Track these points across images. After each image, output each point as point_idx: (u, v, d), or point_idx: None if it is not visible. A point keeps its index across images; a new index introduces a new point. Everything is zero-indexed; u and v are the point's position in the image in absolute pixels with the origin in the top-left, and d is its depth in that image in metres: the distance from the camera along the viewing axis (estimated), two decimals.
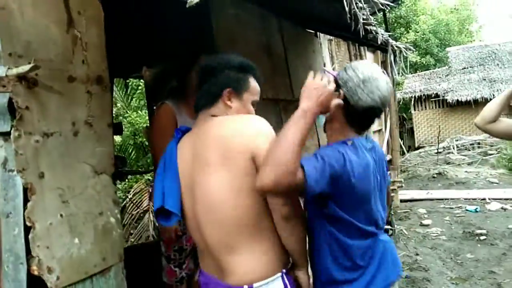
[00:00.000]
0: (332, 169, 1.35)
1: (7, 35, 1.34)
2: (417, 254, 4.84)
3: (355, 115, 1.50)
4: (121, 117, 8.55)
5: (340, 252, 1.47)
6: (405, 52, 3.72)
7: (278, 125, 3.07)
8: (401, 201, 7.58)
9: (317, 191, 1.32)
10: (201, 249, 1.49)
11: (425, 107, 16.91)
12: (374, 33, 2.72)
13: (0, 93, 1.35)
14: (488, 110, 2.34)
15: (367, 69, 1.49)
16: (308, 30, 4.29)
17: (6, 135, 1.37)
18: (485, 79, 15.12)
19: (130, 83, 8.52)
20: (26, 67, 1.31)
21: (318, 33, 4.47)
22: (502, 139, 2.65)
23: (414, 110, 17.17)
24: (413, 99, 16.92)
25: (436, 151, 13.01)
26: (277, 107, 3.06)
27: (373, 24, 2.62)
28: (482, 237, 5.27)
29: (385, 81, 1.49)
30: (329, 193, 1.38)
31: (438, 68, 18.82)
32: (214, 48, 2.52)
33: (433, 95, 16.26)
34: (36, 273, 1.37)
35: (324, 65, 4.36)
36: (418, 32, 20.24)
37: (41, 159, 1.40)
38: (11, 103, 1.35)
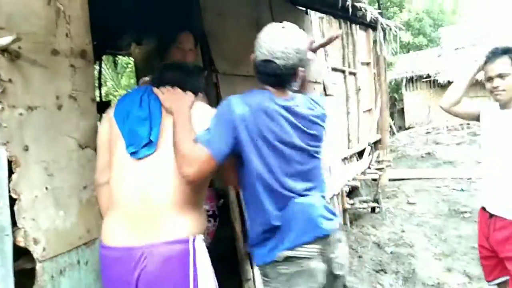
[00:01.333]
0: (226, 124, 1.48)
1: None
2: (403, 231, 4.96)
3: (258, 69, 1.59)
4: (111, 96, 8.48)
5: (257, 214, 1.59)
6: (395, 30, 3.71)
7: None
8: (389, 180, 7.70)
9: (226, 150, 1.46)
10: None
11: (417, 88, 16.96)
12: (363, 11, 2.71)
13: None
14: (453, 93, 2.41)
15: (270, 26, 1.60)
16: (299, 8, 4.26)
17: None
18: (476, 60, 15.14)
19: (119, 61, 8.42)
20: (8, 39, 1.30)
21: (308, 10, 4.43)
22: (464, 119, 2.72)
23: (406, 90, 17.22)
24: (404, 80, 16.95)
25: (426, 131, 13.13)
26: None
27: (362, 1, 2.61)
28: (466, 215, 5.40)
29: (284, 36, 1.55)
30: (239, 150, 1.50)
31: (431, 48, 18.81)
32: (202, 23, 2.51)
33: (424, 76, 16.29)
34: (22, 244, 1.39)
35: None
36: (411, 12, 20.13)
37: (25, 132, 1.41)
38: None
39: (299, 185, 1.59)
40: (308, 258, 1.56)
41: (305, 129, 1.60)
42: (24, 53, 1.40)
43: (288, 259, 1.55)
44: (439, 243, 4.56)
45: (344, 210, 5.11)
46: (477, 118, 2.37)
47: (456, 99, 2.39)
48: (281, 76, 1.56)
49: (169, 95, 1.59)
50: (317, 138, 1.67)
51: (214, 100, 2.61)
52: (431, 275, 3.73)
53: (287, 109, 1.57)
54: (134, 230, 1.45)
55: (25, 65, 1.41)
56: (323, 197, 1.69)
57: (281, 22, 1.63)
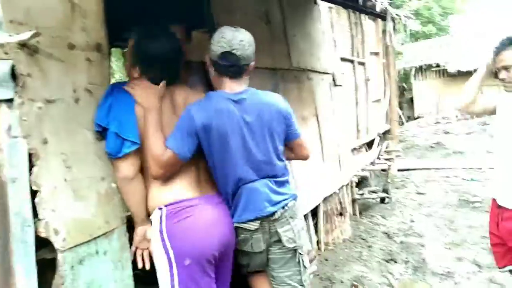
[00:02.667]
0: (187, 127, 1.74)
1: (7, 1, 1.34)
2: (412, 221, 4.97)
3: (215, 64, 1.84)
4: None
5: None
6: (404, 20, 3.69)
7: (275, 93, 3.09)
8: (399, 170, 7.69)
9: (189, 154, 1.74)
10: None
11: (426, 77, 16.78)
12: (373, 0, 2.70)
13: (3, 61, 1.37)
14: (467, 93, 2.40)
15: (224, 28, 1.85)
16: None
17: (10, 102, 1.40)
18: (486, 49, 14.92)
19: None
20: (27, 34, 1.32)
21: (317, 0, 4.41)
22: (485, 115, 2.71)
23: (415, 80, 17.06)
24: (413, 69, 16.77)
25: (435, 121, 13.03)
26: (275, 75, 3.06)
27: None
28: (476, 205, 5.39)
29: (239, 32, 1.83)
30: (201, 145, 1.79)
31: (440, 37, 18.57)
32: (211, 17, 2.51)
33: (434, 65, 16.11)
34: (43, 235, 1.43)
35: (323, 33, 4.32)
36: (420, 0, 19.85)
37: (44, 125, 1.44)
38: (13, 71, 1.37)
39: (250, 173, 1.86)
40: (250, 230, 1.89)
41: (254, 121, 1.85)
42: (42, 47, 1.43)
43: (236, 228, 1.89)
44: (449, 233, 4.56)
45: (353, 201, 5.12)
46: (495, 112, 2.35)
47: (471, 98, 2.39)
48: (239, 67, 1.83)
49: (138, 91, 1.74)
50: (271, 129, 1.89)
51: None
52: (441, 264, 3.75)
53: (239, 103, 1.83)
54: None
55: (43, 59, 1.44)
56: (276, 182, 1.94)
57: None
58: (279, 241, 1.94)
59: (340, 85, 4.71)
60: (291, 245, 1.95)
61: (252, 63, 1.89)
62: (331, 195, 4.08)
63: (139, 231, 1.78)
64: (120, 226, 1.71)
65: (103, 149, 1.66)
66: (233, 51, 1.79)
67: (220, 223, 1.76)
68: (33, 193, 1.42)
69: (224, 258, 1.82)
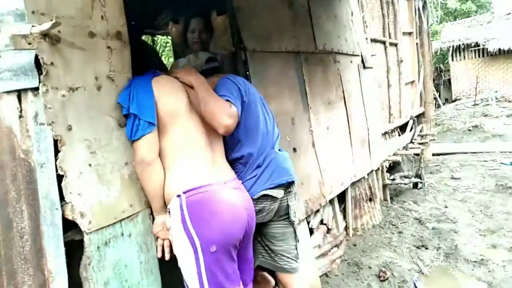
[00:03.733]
0: (236, 91, 1.90)
1: None
2: (446, 207, 4.83)
3: None
4: None
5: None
6: None
7: (299, 78, 3.06)
8: (433, 154, 7.46)
9: (239, 112, 1.86)
10: None
11: (464, 57, 16.06)
12: None
13: (27, 50, 1.42)
14: None
15: None
16: None
17: (35, 90, 1.46)
18: None
19: (158, 40, 8.54)
20: (49, 24, 1.36)
21: None
22: None
23: (452, 60, 16.36)
24: (451, 49, 16.07)
25: (473, 103, 12.52)
26: (298, 59, 3.01)
27: None
28: None
29: None
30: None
31: (480, 14, 17.68)
32: (231, 4, 2.49)
33: (473, 44, 15.38)
34: (70, 217, 1.49)
35: (352, 14, 4.21)
36: None
37: (68, 112, 1.49)
38: (37, 60, 1.42)
39: (272, 142, 2.07)
40: (272, 199, 1.99)
41: (261, 97, 2.15)
42: (64, 36, 1.47)
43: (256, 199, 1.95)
44: (484, 219, 4.41)
45: (384, 186, 5.02)
46: None
47: None
48: None
49: (184, 73, 1.89)
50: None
51: (244, 78, 2.61)
52: (474, 251, 3.64)
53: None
54: None
55: (64, 48, 1.48)
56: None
57: None
58: (286, 214, 2.07)
59: (370, 67, 4.59)
60: (295, 219, 2.08)
61: None
62: (359, 180, 4.02)
63: (158, 220, 1.78)
64: (144, 209, 1.77)
65: (125, 135, 1.70)
66: None
67: (243, 206, 1.76)
68: (60, 178, 1.48)
69: (246, 240, 1.82)
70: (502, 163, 6.52)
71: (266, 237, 2.11)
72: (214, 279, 1.61)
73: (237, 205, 1.73)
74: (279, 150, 2.11)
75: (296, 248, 2.14)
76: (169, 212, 1.69)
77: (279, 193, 2.00)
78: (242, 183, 1.92)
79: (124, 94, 1.67)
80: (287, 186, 2.04)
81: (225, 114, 1.75)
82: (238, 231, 1.71)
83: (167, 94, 1.74)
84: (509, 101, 12.14)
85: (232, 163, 1.97)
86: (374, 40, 5.69)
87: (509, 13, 15.10)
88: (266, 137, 2.02)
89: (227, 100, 1.81)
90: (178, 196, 1.65)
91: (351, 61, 4.04)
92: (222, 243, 1.64)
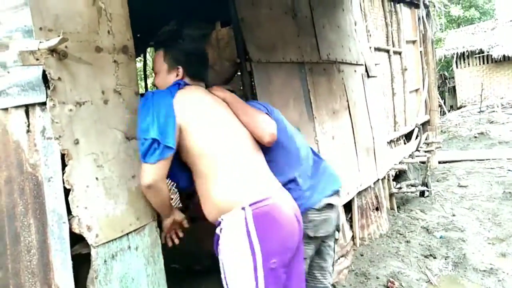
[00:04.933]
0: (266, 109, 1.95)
1: (37, 10, 1.41)
2: (453, 215, 4.79)
3: None
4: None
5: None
6: (439, 6, 3.54)
7: (303, 88, 3.07)
8: (439, 162, 7.42)
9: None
10: None
11: (468, 64, 16.04)
12: None
13: (34, 66, 1.44)
14: None
15: None
16: None
17: (43, 105, 1.48)
18: None
19: None
20: (56, 40, 1.38)
21: None
22: None
23: (457, 67, 16.35)
24: (455, 56, 16.07)
25: (478, 110, 12.47)
26: (302, 69, 3.02)
27: None
28: None
29: None
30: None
31: (483, 21, 17.68)
32: (236, 12, 2.51)
33: (477, 51, 15.37)
34: (77, 231, 1.50)
35: (355, 24, 4.23)
36: None
37: (75, 126, 1.50)
38: (44, 75, 1.44)
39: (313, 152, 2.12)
40: (334, 206, 1.98)
41: None
42: (70, 52, 1.49)
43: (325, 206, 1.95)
44: (492, 227, 4.37)
45: (391, 195, 5.00)
46: None
47: None
48: None
49: (216, 89, 1.93)
50: None
51: (249, 88, 2.63)
52: (483, 260, 3.59)
53: None
54: None
55: (71, 63, 1.50)
56: None
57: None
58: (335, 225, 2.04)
59: (374, 76, 4.60)
60: (340, 223, 2.07)
61: None
62: (365, 190, 4.01)
63: (167, 222, 1.85)
64: (151, 222, 1.77)
65: (133, 148, 1.71)
66: None
67: (295, 217, 1.70)
68: (67, 192, 1.49)
69: (299, 252, 1.74)
70: (509, 170, 6.47)
71: (317, 255, 2.05)
72: None
73: (292, 216, 1.68)
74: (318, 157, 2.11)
75: (333, 264, 2.11)
76: (219, 223, 1.64)
77: (336, 200, 2.00)
78: (300, 197, 1.88)
79: (144, 113, 1.63)
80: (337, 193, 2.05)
81: (268, 122, 1.81)
82: (295, 242, 1.67)
83: (194, 106, 1.73)
84: None
85: (285, 185, 1.89)
86: (378, 49, 5.71)
87: None
88: (303, 148, 2.01)
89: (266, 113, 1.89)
90: (243, 208, 1.58)
91: (355, 70, 4.04)
92: (281, 256, 1.60)
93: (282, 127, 1.94)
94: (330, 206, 1.97)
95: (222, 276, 1.63)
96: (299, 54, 2.98)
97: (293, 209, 1.72)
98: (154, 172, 1.61)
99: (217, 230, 1.65)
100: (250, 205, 1.58)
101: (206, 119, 1.72)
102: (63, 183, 1.48)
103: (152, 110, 1.63)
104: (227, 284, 1.61)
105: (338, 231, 2.08)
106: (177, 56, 1.89)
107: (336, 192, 2.03)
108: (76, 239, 1.54)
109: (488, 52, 14.78)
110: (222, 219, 1.62)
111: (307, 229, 1.90)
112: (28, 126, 1.55)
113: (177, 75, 1.87)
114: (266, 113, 1.88)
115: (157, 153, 1.59)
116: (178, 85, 1.80)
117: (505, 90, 14.46)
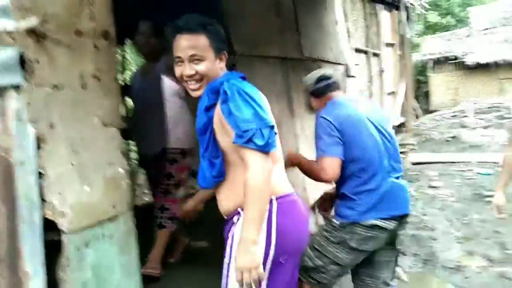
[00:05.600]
0: (330, 134, 1.98)
1: None
2: (424, 215, 4.92)
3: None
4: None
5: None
6: (420, 10, 3.62)
7: (285, 84, 3.09)
8: (413, 163, 7.59)
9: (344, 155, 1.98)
10: None
11: (443, 70, 16.47)
12: None
13: (11, 47, 1.40)
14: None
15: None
16: None
17: (18, 87, 1.43)
18: (507, 41, 14.59)
19: None
20: (34, 21, 1.34)
21: None
22: None
23: (432, 72, 16.76)
24: (431, 61, 16.48)
25: (451, 114, 12.82)
26: (285, 66, 3.05)
27: None
28: (490, 199, 5.28)
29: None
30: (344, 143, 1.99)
31: (459, 29, 18.18)
32: (221, 8, 2.51)
33: (451, 57, 15.80)
34: (49, 217, 1.46)
35: (337, 23, 4.27)
36: None
37: (51, 110, 1.46)
38: (21, 57, 1.40)
39: (389, 168, 2.05)
40: (385, 229, 1.96)
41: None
42: (50, 34, 1.45)
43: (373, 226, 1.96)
44: (461, 227, 4.51)
45: None
46: None
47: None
48: None
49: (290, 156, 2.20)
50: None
51: None
52: (451, 258, 3.71)
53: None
54: None
55: (50, 45, 1.46)
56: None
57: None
58: (392, 243, 2.06)
59: (353, 76, 4.67)
60: (400, 247, 2.10)
61: None
62: None
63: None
64: (126, 212, 1.75)
65: (110, 135, 1.68)
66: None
67: (307, 220, 1.71)
68: (41, 177, 1.45)
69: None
70: (478, 173, 6.68)
71: (371, 265, 2.10)
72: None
73: (306, 218, 1.70)
74: (397, 178, 2.06)
75: (393, 277, 2.18)
76: (238, 213, 1.58)
77: (390, 225, 1.97)
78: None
79: (244, 103, 1.49)
80: (402, 217, 2.02)
81: (319, 175, 1.99)
82: (305, 243, 1.70)
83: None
84: (485, 113, 12.47)
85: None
86: (357, 50, 5.79)
87: (487, 28, 15.58)
88: (380, 161, 1.99)
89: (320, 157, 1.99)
90: (270, 201, 1.53)
91: (335, 70, 4.09)
92: (293, 254, 1.60)
93: (356, 139, 1.99)
94: (378, 227, 1.96)
95: (226, 261, 1.60)
96: (282, 50, 3.00)
97: (306, 211, 1.72)
98: (269, 160, 1.49)
99: (235, 218, 1.61)
100: (277, 198, 1.56)
101: None
102: (37, 168, 1.44)
103: (255, 97, 1.53)
104: (228, 269, 1.58)
105: (394, 244, 2.10)
106: (220, 42, 1.64)
107: (395, 218, 1.99)
108: (51, 226, 1.50)
109: (462, 58, 15.21)
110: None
111: (350, 240, 1.96)
112: (2, 108, 1.50)
113: (221, 60, 1.65)
114: (321, 156, 1.99)
115: (273, 141, 1.51)
116: (243, 78, 1.68)
117: (477, 96, 14.92)
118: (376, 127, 2.04)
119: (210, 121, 1.57)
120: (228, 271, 1.59)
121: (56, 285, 1.50)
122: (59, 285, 1.51)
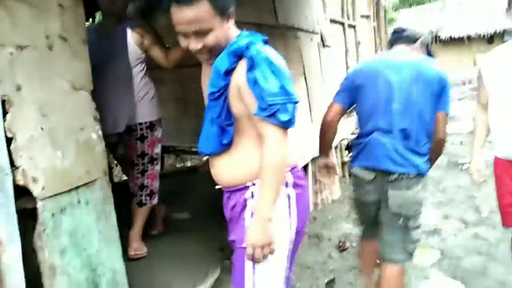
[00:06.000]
0: (346, 82, 2.23)
1: None
2: None
3: None
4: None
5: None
6: None
7: None
8: None
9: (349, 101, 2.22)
10: None
11: None
12: None
13: None
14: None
15: None
16: None
17: None
18: (480, 14, 14.79)
19: None
20: None
21: None
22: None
23: None
24: None
25: None
26: (259, 31, 2.99)
27: None
28: (464, 167, 5.44)
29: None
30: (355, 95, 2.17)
31: (435, 2, 18.33)
32: None
33: None
34: (21, 183, 1.41)
35: None
36: None
37: (16, 71, 1.40)
38: None
39: (386, 124, 2.11)
40: (362, 179, 2.13)
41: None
42: None
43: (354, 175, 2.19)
44: (437, 193, 4.63)
45: (343, 163, 5.15)
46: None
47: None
48: None
49: None
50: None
51: None
52: (428, 222, 3.81)
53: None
54: None
55: (11, 2, 1.38)
56: (408, 147, 2.07)
57: None
58: (387, 205, 2.10)
59: (329, 46, 4.65)
60: (397, 211, 2.05)
61: None
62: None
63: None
64: (102, 177, 1.71)
65: (82, 100, 1.63)
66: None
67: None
68: (9, 141, 1.39)
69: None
70: (453, 142, 6.84)
71: (378, 226, 2.22)
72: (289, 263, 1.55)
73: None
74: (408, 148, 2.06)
75: (404, 242, 2.11)
76: (246, 187, 1.50)
77: (366, 175, 2.11)
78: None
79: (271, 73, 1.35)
80: (384, 174, 2.05)
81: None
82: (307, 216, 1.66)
83: None
84: (459, 85, 12.73)
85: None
86: (333, 21, 5.75)
87: (460, 2, 15.74)
88: (380, 120, 2.07)
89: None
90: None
91: (311, 39, 4.07)
92: (299, 232, 1.56)
93: (369, 90, 2.12)
94: (359, 178, 2.17)
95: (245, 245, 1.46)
96: (257, 17, 2.94)
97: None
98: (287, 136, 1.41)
99: (246, 195, 1.49)
100: (291, 169, 1.50)
101: None
102: (4, 132, 1.38)
103: (279, 70, 1.38)
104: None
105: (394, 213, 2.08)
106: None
107: (371, 170, 2.11)
108: (23, 194, 1.45)
109: (436, 33, 15.37)
110: (254, 183, 1.47)
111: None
112: None
113: (230, 19, 1.44)
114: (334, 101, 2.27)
115: (295, 116, 1.40)
116: (265, 42, 1.51)
117: (452, 69, 15.16)
118: (392, 87, 2.04)
119: (227, 86, 1.42)
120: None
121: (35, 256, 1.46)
122: (38, 253, 1.47)
